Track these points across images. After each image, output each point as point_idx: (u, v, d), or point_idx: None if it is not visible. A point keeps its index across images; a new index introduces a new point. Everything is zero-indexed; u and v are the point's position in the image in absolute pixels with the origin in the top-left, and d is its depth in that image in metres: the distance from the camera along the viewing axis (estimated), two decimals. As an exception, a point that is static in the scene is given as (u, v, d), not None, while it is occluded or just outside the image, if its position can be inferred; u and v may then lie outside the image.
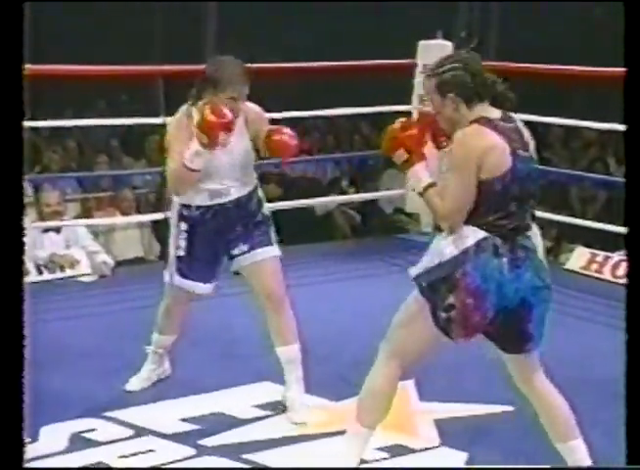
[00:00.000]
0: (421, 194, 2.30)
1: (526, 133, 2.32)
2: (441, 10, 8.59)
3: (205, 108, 2.63)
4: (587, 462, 2.38)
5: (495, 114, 2.28)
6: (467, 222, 2.23)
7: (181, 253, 2.86)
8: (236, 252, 2.84)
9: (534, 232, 2.32)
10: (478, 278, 2.21)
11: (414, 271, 2.29)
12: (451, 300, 2.22)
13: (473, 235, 2.22)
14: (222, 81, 2.68)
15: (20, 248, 1.82)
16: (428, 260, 2.27)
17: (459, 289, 2.21)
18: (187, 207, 2.83)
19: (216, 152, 2.68)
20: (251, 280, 2.89)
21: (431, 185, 2.28)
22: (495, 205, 2.21)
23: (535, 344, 2.35)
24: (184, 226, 2.84)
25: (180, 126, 2.74)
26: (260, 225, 2.86)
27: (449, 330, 2.26)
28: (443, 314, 2.24)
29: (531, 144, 2.32)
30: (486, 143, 2.19)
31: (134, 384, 3.02)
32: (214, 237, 2.84)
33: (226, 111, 2.61)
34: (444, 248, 2.24)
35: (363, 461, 2.55)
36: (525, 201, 2.25)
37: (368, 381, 2.38)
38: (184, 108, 2.80)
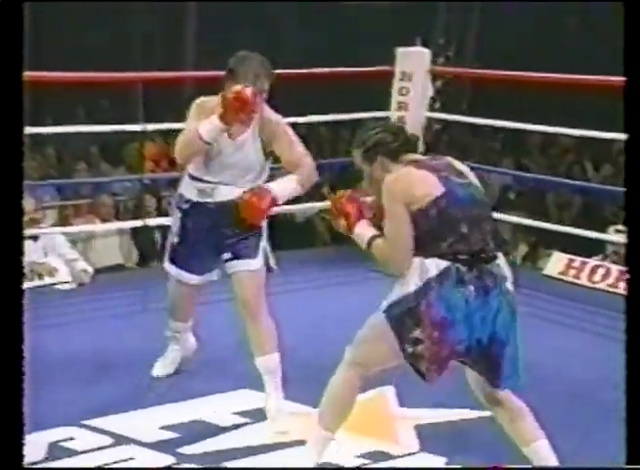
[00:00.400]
0: (367, 250, 2.34)
1: (461, 167, 2.37)
2: (420, 16, 8.64)
3: (232, 86, 2.67)
4: (552, 460, 2.39)
5: (424, 157, 2.36)
6: (426, 255, 2.24)
7: (175, 239, 2.94)
8: (225, 256, 2.90)
9: (502, 261, 2.31)
10: (442, 309, 2.20)
11: (384, 304, 2.30)
12: (417, 333, 2.22)
13: (435, 265, 2.22)
14: (239, 74, 2.74)
15: (19, 256, 1.83)
16: (395, 293, 2.29)
17: (424, 322, 2.21)
18: (181, 197, 2.92)
19: (226, 145, 2.74)
20: (233, 287, 2.93)
21: (374, 238, 2.32)
22: (441, 230, 2.22)
23: (510, 381, 2.32)
24: (179, 214, 2.92)
25: (201, 110, 2.80)
26: (249, 235, 2.86)
27: (419, 366, 2.26)
28: (410, 349, 2.24)
29: (470, 174, 2.36)
30: (409, 179, 2.25)
31: (158, 369, 3.11)
32: (205, 233, 2.88)
33: (250, 93, 2.64)
34: (409, 280, 2.24)
35: (344, 469, 2.56)
36: (476, 222, 2.25)
37: (330, 385, 2.41)
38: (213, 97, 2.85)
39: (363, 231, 2.35)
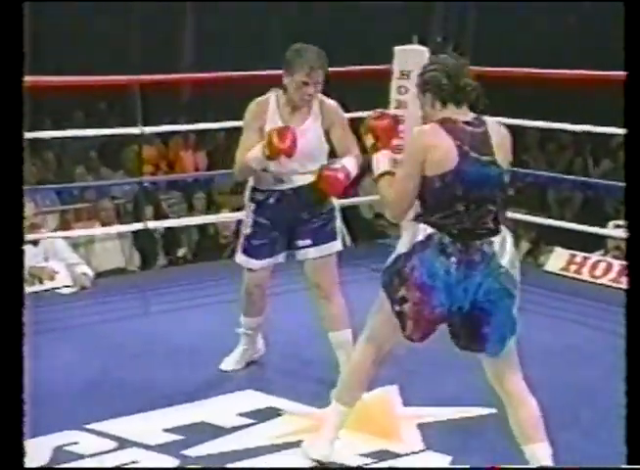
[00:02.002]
0: (376, 180, 2.43)
1: (497, 139, 2.36)
2: (417, 14, 8.63)
3: (272, 131, 2.85)
4: (548, 462, 2.41)
5: (465, 117, 2.35)
6: (420, 220, 2.36)
7: (248, 231, 3.06)
8: (302, 243, 3.02)
9: (503, 239, 2.36)
10: (424, 274, 2.32)
11: (383, 267, 2.44)
12: (403, 292, 2.35)
13: (423, 231, 2.34)
14: (294, 65, 2.87)
15: (19, 261, 1.83)
16: (390, 257, 2.42)
17: (409, 283, 2.34)
18: (255, 189, 3.04)
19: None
20: (306, 270, 3.07)
21: (386, 173, 2.41)
22: (437, 203, 2.31)
23: (493, 348, 2.38)
24: (252, 207, 3.05)
25: (256, 115, 2.97)
26: (324, 218, 3.03)
27: (404, 324, 2.37)
28: (397, 307, 2.37)
29: (501, 150, 2.36)
30: (432, 141, 2.29)
31: (228, 364, 3.19)
32: (281, 220, 3.01)
33: (289, 137, 2.81)
34: (400, 244, 2.39)
35: (348, 468, 2.56)
36: (476, 204, 2.31)
37: (348, 363, 2.54)
38: (268, 95, 2.99)
39: (382, 161, 2.43)
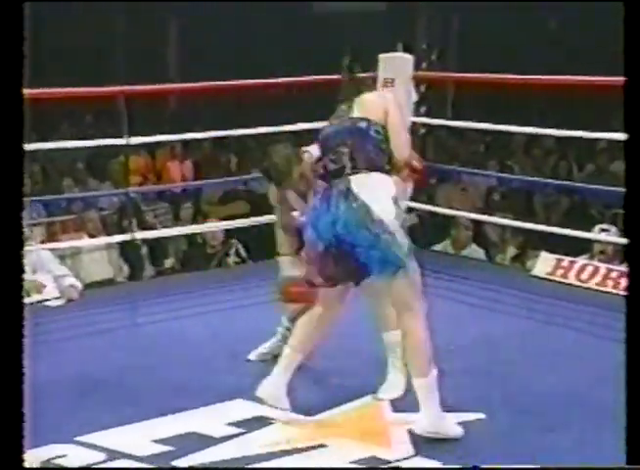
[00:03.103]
0: None
1: (356, 114, 2.81)
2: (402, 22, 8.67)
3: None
4: (435, 394, 2.69)
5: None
6: None
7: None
8: None
9: (362, 177, 2.68)
10: (305, 216, 2.81)
11: None
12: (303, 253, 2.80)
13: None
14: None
15: (19, 273, 1.82)
16: None
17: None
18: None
19: None
20: None
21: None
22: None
23: (369, 272, 2.68)
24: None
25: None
26: None
27: (310, 276, 2.75)
28: (305, 267, 2.82)
29: (359, 115, 2.78)
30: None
31: (256, 355, 3.34)
32: None
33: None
34: None
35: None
36: (332, 149, 2.76)
37: (302, 319, 2.87)
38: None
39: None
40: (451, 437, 2.71)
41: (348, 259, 2.68)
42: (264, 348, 3.35)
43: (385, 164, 2.74)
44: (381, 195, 2.67)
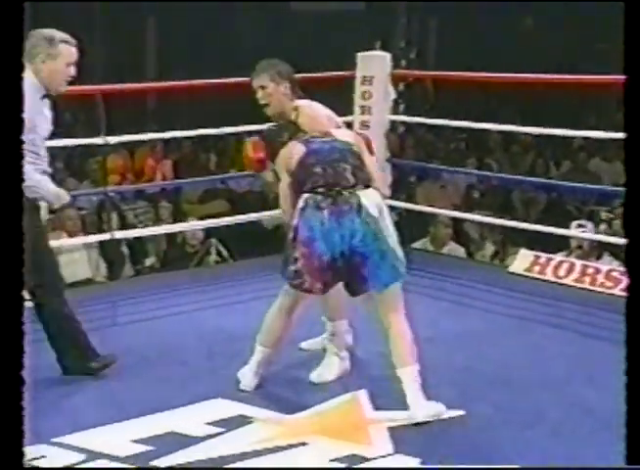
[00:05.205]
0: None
1: (338, 133, 3.03)
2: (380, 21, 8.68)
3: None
4: (416, 385, 2.83)
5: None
6: (301, 193, 2.90)
7: None
8: None
9: (368, 193, 2.87)
10: (305, 230, 2.84)
11: None
12: (295, 254, 2.86)
13: (303, 199, 2.89)
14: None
15: (19, 270, 1.82)
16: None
17: (296, 243, 2.86)
18: None
19: None
20: None
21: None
22: (303, 176, 2.91)
23: (374, 286, 2.86)
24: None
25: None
26: None
27: (302, 281, 2.85)
28: (292, 267, 2.86)
29: (341, 135, 3.01)
30: (289, 154, 2.99)
31: (308, 344, 3.42)
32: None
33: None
34: (292, 220, 2.90)
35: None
36: (331, 165, 2.88)
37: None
38: None
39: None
40: (441, 415, 2.85)
41: (354, 273, 2.85)
42: (315, 342, 3.41)
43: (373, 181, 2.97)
44: (383, 209, 2.89)
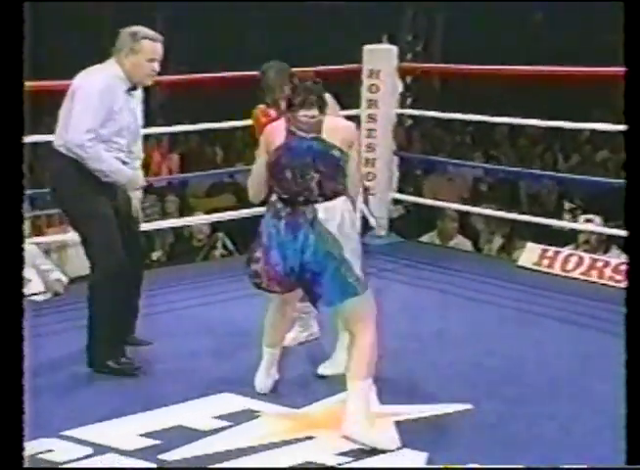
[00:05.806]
0: None
1: (330, 125, 2.74)
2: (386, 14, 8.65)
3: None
4: (359, 402, 2.64)
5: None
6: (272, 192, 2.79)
7: None
8: None
9: (333, 207, 2.69)
10: (265, 236, 2.76)
11: None
12: (258, 253, 2.78)
13: (269, 202, 2.78)
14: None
15: (18, 266, 1.83)
16: None
17: (258, 244, 2.78)
18: None
19: None
20: None
21: None
22: (274, 173, 2.74)
23: (325, 302, 2.74)
24: None
25: None
26: None
27: (260, 281, 2.79)
28: (253, 266, 2.79)
29: (332, 132, 2.71)
30: (271, 131, 2.80)
31: (288, 339, 3.27)
32: None
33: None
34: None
35: (326, 467, 2.56)
36: (302, 171, 2.68)
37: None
38: None
39: None
40: (381, 448, 2.60)
41: (309, 286, 2.74)
42: (291, 334, 3.36)
43: (344, 188, 2.75)
44: (345, 223, 2.69)
